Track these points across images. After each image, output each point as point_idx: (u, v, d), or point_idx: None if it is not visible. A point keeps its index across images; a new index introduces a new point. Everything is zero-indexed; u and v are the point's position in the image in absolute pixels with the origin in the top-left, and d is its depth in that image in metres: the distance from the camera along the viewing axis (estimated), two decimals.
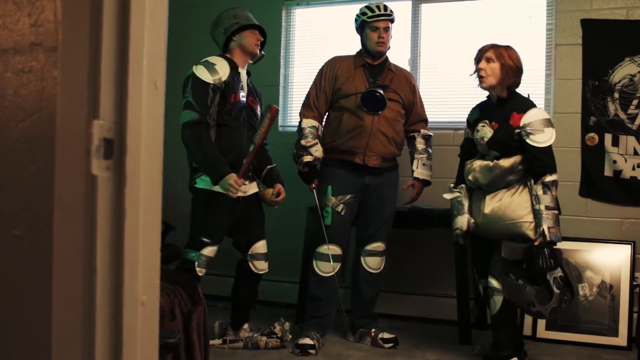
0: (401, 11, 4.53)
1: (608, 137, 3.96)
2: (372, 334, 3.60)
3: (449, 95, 4.40)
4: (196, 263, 3.27)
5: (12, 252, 0.95)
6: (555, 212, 3.01)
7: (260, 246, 3.52)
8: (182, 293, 2.51)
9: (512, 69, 3.10)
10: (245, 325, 3.56)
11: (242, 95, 3.39)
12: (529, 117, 3.04)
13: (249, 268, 3.49)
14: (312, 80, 3.74)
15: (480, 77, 3.16)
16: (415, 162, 3.76)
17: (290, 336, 3.52)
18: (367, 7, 3.62)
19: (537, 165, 3.01)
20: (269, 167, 3.60)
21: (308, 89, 3.75)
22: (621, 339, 3.63)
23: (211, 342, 3.29)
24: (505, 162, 3.08)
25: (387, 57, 3.73)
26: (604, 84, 3.97)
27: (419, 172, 3.73)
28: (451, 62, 4.39)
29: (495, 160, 3.12)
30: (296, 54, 4.79)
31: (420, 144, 3.77)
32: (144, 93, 0.98)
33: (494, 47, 3.15)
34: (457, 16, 4.41)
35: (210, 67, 3.28)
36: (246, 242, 3.49)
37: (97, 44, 0.93)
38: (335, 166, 3.63)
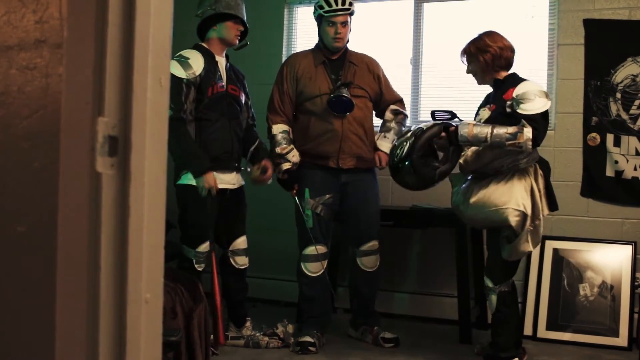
0: (403, 10, 4.53)
1: (610, 138, 3.96)
2: (374, 332, 3.59)
3: (451, 95, 4.40)
4: (194, 260, 3.30)
5: (16, 248, 0.94)
6: (489, 131, 2.89)
7: (241, 242, 3.51)
8: (183, 291, 2.51)
9: (488, 60, 3.08)
10: (248, 324, 3.56)
11: (221, 85, 3.35)
12: (521, 88, 2.96)
13: (230, 263, 3.49)
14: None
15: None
16: (377, 136, 3.63)
17: (292, 339, 3.50)
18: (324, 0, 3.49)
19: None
20: (252, 148, 3.55)
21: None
22: (622, 340, 3.62)
23: (212, 336, 3.29)
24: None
25: (347, 49, 3.62)
26: (606, 84, 3.97)
27: (379, 142, 3.59)
28: (453, 62, 4.38)
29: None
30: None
31: (386, 118, 3.66)
32: (149, 90, 0.97)
33: (465, 50, 3.17)
34: (459, 15, 4.40)
35: (184, 62, 3.23)
36: (227, 238, 3.48)
37: (102, 41, 0.93)
38: (310, 168, 3.56)
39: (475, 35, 3.16)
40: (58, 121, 0.90)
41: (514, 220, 2.92)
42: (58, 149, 0.90)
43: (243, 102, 3.52)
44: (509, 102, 2.99)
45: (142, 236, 0.97)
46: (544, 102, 2.93)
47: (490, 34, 3.12)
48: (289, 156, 3.50)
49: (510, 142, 2.87)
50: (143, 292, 0.98)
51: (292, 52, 4.80)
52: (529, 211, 2.93)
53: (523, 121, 2.88)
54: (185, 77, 3.20)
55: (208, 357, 2.65)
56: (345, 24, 3.49)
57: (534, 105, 2.91)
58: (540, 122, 2.91)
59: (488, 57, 3.07)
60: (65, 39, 0.90)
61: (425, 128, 3.06)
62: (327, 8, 3.45)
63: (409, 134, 3.09)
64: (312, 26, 4.71)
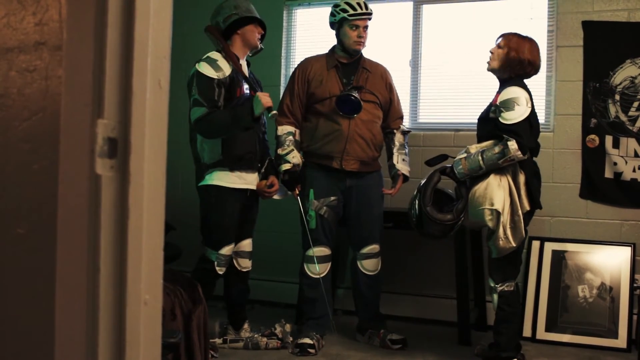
0: (402, 12, 4.53)
1: (609, 139, 3.96)
2: (381, 335, 3.59)
3: (450, 97, 4.40)
4: (215, 263, 3.31)
5: (15, 250, 0.95)
6: (480, 160, 3.03)
7: (247, 244, 3.52)
8: (182, 293, 2.51)
9: (514, 59, 3.11)
10: (246, 325, 3.57)
11: (246, 88, 3.40)
12: (503, 95, 3.05)
13: (233, 265, 3.50)
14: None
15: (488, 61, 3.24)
16: (395, 157, 3.70)
17: (291, 338, 3.51)
18: (346, 3, 3.54)
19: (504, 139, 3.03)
20: (266, 161, 3.58)
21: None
22: (621, 341, 3.62)
23: (211, 340, 3.29)
24: (474, 150, 3.13)
25: (361, 55, 3.69)
26: (605, 85, 3.97)
27: (401, 166, 3.68)
28: (452, 64, 4.39)
29: (468, 146, 3.19)
30: (297, 54, 4.79)
31: (399, 140, 3.73)
32: (148, 92, 0.98)
33: (508, 35, 3.18)
34: (458, 17, 4.41)
35: (213, 63, 3.29)
36: (235, 239, 3.49)
37: (101, 43, 0.93)
38: (315, 169, 3.61)
39: (524, 35, 3.20)
40: (58, 123, 0.91)
41: (488, 219, 3.03)
42: (57, 151, 0.90)
43: None
44: (492, 108, 3.10)
45: (141, 238, 0.97)
46: (524, 110, 3.01)
47: (533, 44, 3.17)
48: (289, 157, 3.53)
49: (502, 160, 2.99)
50: (142, 294, 0.98)
51: (292, 53, 4.82)
52: (500, 208, 3.01)
53: (505, 136, 2.99)
54: (216, 77, 3.26)
55: (207, 358, 2.65)
56: (366, 28, 3.57)
57: (513, 115, 3.00)
58: (521, 130, 2.99)
59: (515, 58, 3.11)
60: (65, 41, 0.91)
61: (425, 181, 3.23)
62: (351, 12, 3.52)
63: (415, 193, 3.26)
64: (311, 28, 4.74)
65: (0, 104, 0.96)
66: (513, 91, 3.04)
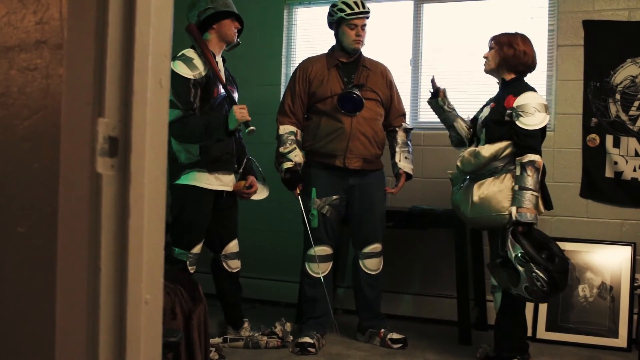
0: (403, 11, 4.53)
1: (609, 139, 3.96)
2: (381, 334, 3.59)
3: (451, 96, 4.39)
4: (188, 262, 3.30)
5: (16, 249, 0.94)
6: (530, 192, 2.94)
7: (233, 245, 3.51)
8: (183, 292, 2.51)
9: (508, 55, 3.12)
10: (246, 324, 3.57)
11: (222, 86, 3.35)
12: (522, 100, 3.05)
13: (223, 267, 3.49)
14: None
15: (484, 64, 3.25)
16: (397, 155, 3.73)
17: (291, 337, 3.52)
18: (343, 3, 3.54)
19: (519, 146, 3.01)
20: (244, 161, 3.55)
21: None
22: (621, 341, 3.63)
23: (211, 340, 3.29)
24: (487, 152, 3.08)
25: (361, 54, 3.69)
26: (606, 85, 3.97)
27: (403, 164, 3.70)
28: (453, 63, 4.39)
29: (479, 146, 3.15)
30: (297, 53, 4.79)
31: (401, 138, 3.76)
32: (149, 91, 0.97)
33: (496, 36, 3.21)
34: (458, 16, 4.40)
35: (189, 62, 3.22)
36: (220, 242, 3.48)
37: (102, 42, 0.93)
38: (318, 168, 3.61)
39: (513, 32, 3.22)
40: (58, 122, 0.90)
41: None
42: (58, 150, 0.90)
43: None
44: (508, 111, 3.07)
45: (142, 237, 0.97)
46: (543, 117, 3.02)
47: (524, 37, 3.18)
48: (291, 155, 3.54)
49: (540, 175, 2.98)
50: (143, 293, 0.98)
51: (292, 53, 4.81)
52: None
53: (525, 158, 2.96)
54: (192, 77, 3.19)
55: (207, 357, 2.65)
56: (364, 27, 3.58)
57: (533, 120, 3.00)
58: (538, 137, 3.02)
59: (510, 52, 3.12)
60: (66, 39, 0.91)
61: (525, 255, 2.87)
62: (349, 11, 3.52)
63: (521, 267, 2.86)
64: (311, 27, 4.73)
65: (1, 103, 0.96)
66: (532, 96, 3.06)
